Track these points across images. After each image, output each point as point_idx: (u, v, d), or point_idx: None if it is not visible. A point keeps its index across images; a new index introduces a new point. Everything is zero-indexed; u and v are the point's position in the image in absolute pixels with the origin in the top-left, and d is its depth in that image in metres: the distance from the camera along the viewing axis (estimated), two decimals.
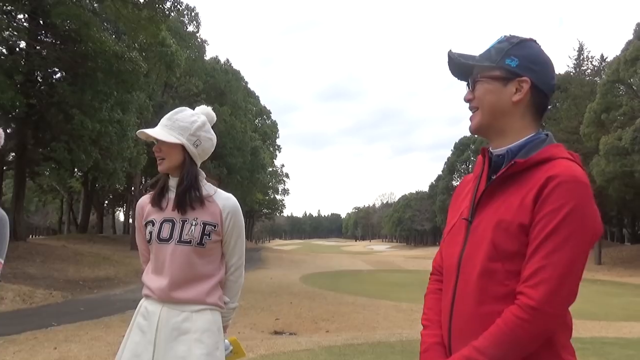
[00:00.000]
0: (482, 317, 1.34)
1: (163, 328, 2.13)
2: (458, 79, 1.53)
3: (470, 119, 1.49)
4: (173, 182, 2.24)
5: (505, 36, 1.47)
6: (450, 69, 1.52)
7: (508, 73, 1.40)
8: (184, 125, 2.20)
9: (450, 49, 1.50)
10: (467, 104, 1.50)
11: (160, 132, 2.19)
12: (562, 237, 1.24)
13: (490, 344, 1.28)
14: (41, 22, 20.70)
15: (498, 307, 1.31)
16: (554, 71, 1.46)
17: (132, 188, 36.74)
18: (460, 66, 1.49)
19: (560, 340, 1.34)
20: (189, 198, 2.18)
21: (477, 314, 1.36)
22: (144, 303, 2.24)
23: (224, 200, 2.25)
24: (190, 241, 2.15)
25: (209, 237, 2.17)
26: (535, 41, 1.47)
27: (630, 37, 34.16)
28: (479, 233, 1.39)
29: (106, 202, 54.83)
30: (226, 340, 2.34)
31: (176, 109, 2.28)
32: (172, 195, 2.23)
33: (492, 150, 1.48)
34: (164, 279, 2.16)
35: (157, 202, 2.24)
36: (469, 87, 1.49)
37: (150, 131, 2.19)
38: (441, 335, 1.50)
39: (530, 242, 1.28)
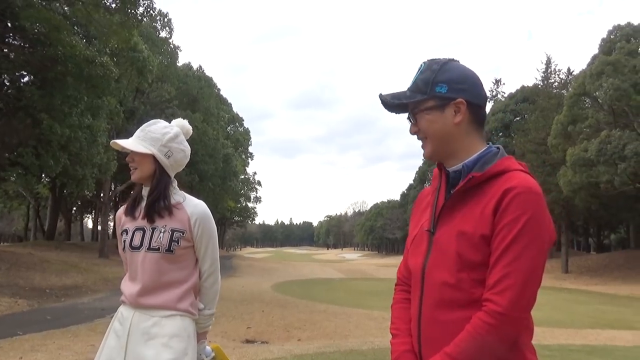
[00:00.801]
0: (450, 324, 1.40)
1: (134, 332, 2.17)
2: (397, 113, 1.57)
3: (422, 147, 1.55)
4: (146, 191, 2.29)
5: (424, 64, 1.53)
6: (386, 109, 1.56)
7: (441, 100, 1.47)
8: (156, 137, 2.26)
9: (380, 92, 1.55)
10: (415, 136, 1.56)
11: (132, 142, 2.25)
12: (522, 245, 1.32)
13: (461, 350, 1.34)
14: (9, 24, 20.27)
15: (465, 314, 1.38)
16: (481, 82, 1.52)
17: (102, 194, 36.10)
18: (396, 105, 1.54)
19: (524, 340, 1.42)
20: (157, 207, 2.24)
21: (445, 321, 1.42)
22: (120, 308, 2.30)
23: (193, 207, 2.29)
24: (159, 248, 2.19)
25: (178, 243, 2.20)
26: (454, 60, 1.53)
27: (596, 51, 35.14)
28: (442, 244, 1.45)
29: (74, 208, 53.78)
30: (208, 347, 2.36)
31: (150, 121, 2.34)
32: (144, 204, 2.28)
33: (448, 168, 1.54)
34: (136, 286, 2.22)
35: (130, 212, 2.31)
36: (410, 121, 1.55)
37: (122, 142, 2.26)
38: (411, 343, 1.55)
39: (493, 252, 1.35)
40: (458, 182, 1.48)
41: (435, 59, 1.53)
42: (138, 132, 2.28)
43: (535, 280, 1.34)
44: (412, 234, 1.63)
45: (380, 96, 1.54)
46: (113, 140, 2.28)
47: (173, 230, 2.20)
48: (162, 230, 2.20)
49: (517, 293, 1.30)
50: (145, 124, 2.31)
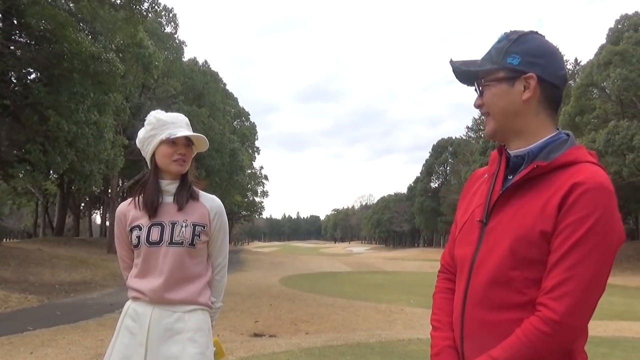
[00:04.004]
0: (497, 324, 1.30)
1: (155, 329, 2.15)
2: (466, 85, 1.46)
3: (485, 124, 1.45)
4: (169, 184, 2.27)
5: (505, 33, 1.40)
6: (456, 77, 1.45)
7: (512, 72, 1.34)
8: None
9: (451, 58, 1.44)
10: (478, 110, 1.45)
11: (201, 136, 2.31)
12: (587, 248, 1.20)
13: (509, 355, 1.24)
14: (15, 21, 20.35)
15: (515, 315, 1.27)
16: (561, 60, 1.39)
17: (109, 190, 36.26)
18: (464, 73, 1.43)
19: (578, 347, 1.32)
20: (193, 195, 2.29)
21: (492, 321, 1.32)
22: (131, 305, 2.25)
23: (211, 201, 2.33)
24: (182, 242, 2.20)
25: (199, 237, 2.23)
26: (536, 33, 1.40)
27: (604, 41, 34.89)
28: (495, 237, 1.34)
29: (82, 204, 54.07)
30: None
31: (178, 114, 2.35)
32: (165, 198, 2.26)
33: (510, 151, 1.41)
34: (157, 281, 2.19)
35: (149, 207, 2.23)
36: (477, 92, 1.43)
37: (195, 135, 2.28)
38: (453, 338, 1.45)
39: (553, 251, 1.23)
40: (519, 168, 1.35)
41: (518, 30, 1.39)
42: (187, 125, 2.29)
43: (599, 288, 1.23)
44: (461, 221, 1.50)
45: (451, 62, 1.42)
46: (188, 134, 2.24)
47: (195, 225, 2.22)
48: (184, 225, 2.21)
49: (577, 300, 1.20)
50: (180, 116, 2.32)
